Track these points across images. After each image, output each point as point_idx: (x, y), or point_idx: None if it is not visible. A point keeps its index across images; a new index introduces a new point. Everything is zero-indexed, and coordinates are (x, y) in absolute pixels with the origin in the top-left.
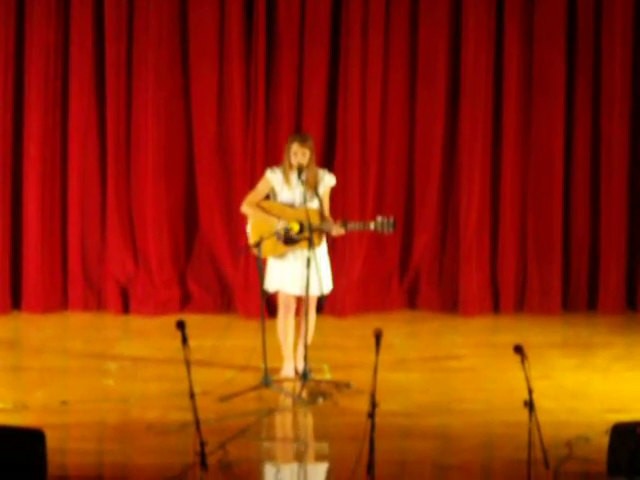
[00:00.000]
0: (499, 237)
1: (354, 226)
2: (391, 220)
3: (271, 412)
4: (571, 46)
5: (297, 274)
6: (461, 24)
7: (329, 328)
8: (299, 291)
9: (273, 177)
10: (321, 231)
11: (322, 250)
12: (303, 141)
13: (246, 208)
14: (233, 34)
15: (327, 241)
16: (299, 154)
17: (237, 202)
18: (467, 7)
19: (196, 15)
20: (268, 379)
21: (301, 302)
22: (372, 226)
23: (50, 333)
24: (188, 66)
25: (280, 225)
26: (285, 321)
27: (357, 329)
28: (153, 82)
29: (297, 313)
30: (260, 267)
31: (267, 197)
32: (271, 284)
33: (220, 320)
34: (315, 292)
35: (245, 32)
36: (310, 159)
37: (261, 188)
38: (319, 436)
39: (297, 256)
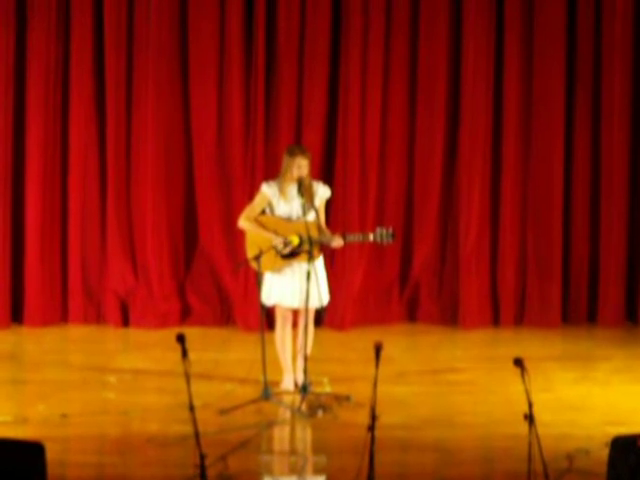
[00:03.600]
0: (499, 250)
1: (353, 237)
2: (390, 231)
3: (271, 425)
4: (571, 59)
5: (296, 287)
6: (461, 37)
7: (329, 341)
8: (298, 304)
9: (269, 191)
10: (320, 243)
11: (319, 263)
12: (304, 152)
13: (243, 223)
14: (233, 47)
15: (325, 253)
16: (302, 166)
17: (237, 215)
18: (467, 20)
19: (196, 28)
20: (268, 392)
21: (297, 314)
22: (371, 237)
23: (50, 346)
24: (188, 79)
25: (278, 239)
26: (283, 333)
27: (357, 342)
28: (153, 95)
29: (294, 325)
30: (259, 281)
31: (263, 211)
32: (269, 298)
33: (220, 333)
34: (315, 304)
35: (245, 45)
36: (308, 170)
37: (258, 202)
38: (318, 449)
39: (295, 269)
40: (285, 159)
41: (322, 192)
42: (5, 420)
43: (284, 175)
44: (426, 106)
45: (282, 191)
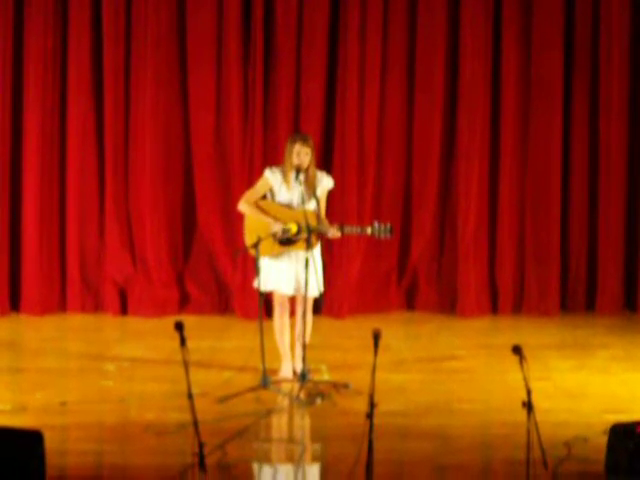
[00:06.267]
0: (497, 238)
1: (351, 230)
2: (388, 226)
3: (269, 413)
4: (569, 53)
5: (292, 274)
6: (459, 31)
7: (327, 329)
8: (294, 291)
9: (272, 177)
10: (318, 232)
11: (317, 251)
12: (305, 140)
13: (243, 206)
14: (231, 38)
15: (323, 242)
16: (302, 154)
17: (235, 204)
18: (465, 14)
19: (194, 19)
20: (266, 380)
21: (295, 302)
22: (369, 231)
23: (48, 334)
24: (186, 70)
25: (277, 226)
26: (281, 321)
27: (355, 330)
28: (151, 86)
29: (292, 314)
30: (258, 268)
31: (264, 197)
32: (266, 284)
33: (218, 321)
34: (313, 293)
35: (243, 36)
36: (311, 159)
37: (259, 187)
38: (317, 437)
39: (292, 257)
40: (286, 146)
41: (326, 182)
42: (4, 408)
43: (286, 162)
44: (424, 96)
45: (285, 178)
